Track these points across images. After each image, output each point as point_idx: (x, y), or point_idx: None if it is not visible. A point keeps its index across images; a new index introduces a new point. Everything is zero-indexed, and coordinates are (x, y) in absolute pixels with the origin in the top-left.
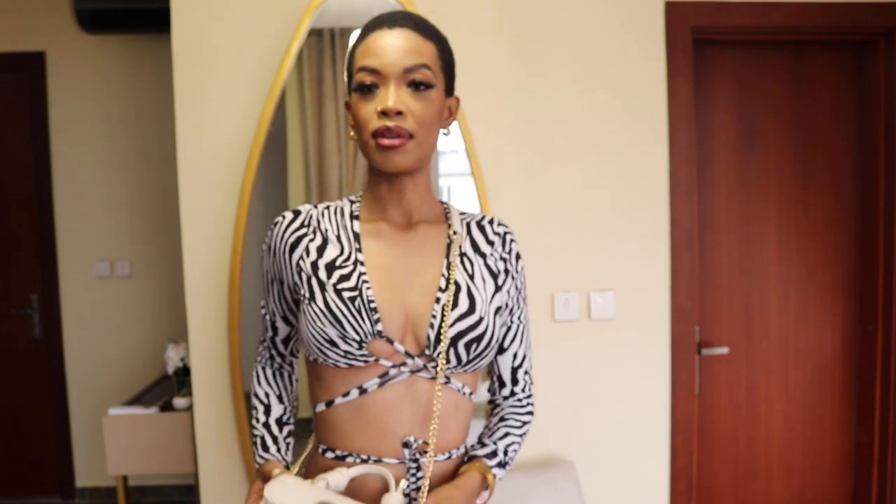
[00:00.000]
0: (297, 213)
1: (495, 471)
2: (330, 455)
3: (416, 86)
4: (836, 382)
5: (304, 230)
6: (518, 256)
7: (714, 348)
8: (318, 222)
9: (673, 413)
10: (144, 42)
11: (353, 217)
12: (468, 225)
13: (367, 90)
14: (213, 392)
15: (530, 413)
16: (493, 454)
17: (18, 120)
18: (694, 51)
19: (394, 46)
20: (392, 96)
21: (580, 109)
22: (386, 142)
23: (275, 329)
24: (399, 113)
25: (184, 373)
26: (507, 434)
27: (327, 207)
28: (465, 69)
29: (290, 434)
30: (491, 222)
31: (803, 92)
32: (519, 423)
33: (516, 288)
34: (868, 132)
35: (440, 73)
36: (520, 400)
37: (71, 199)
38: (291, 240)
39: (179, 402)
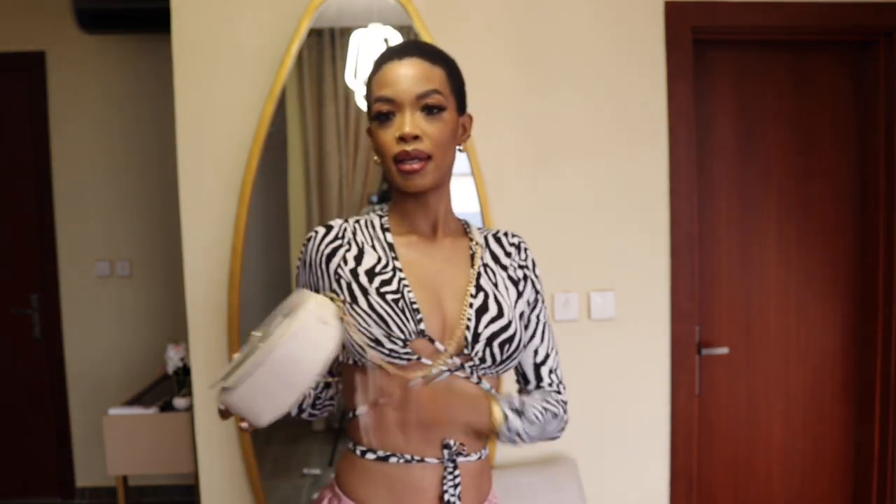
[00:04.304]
0: (329, 228)
1: (507, 410)
2: (371, 456)
3: (430, 110)
4: (836, 382)
5: (338, 242)
6: (534, 262)
7: (714, 348)
8: (353, 234)
9: (673, 413)
10: (144, 42)
11: (384, 229)
12: (486, 238)
13: (384, 118)
14: (213, 392)
15: (558, 406)
16: (507, 397)
17: (18, 120)
18: (694, 51)
19: (405, 75)
20: (408, 122)
21: (580, 109)
22: (406, 167)
23: None
24: (416, 137)
25: (184, 373)
26: (524, 402)
27: (357, 221)
28: (466, 70)
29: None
30: (505, 234)
31: (803, 92)
32: (540, 408)
33: (535, 290)
34: (868, 132)
35: (451, 94)
36: (548, 392)
37: (71, 199)
38: (327, 251)
39: (179, 402)
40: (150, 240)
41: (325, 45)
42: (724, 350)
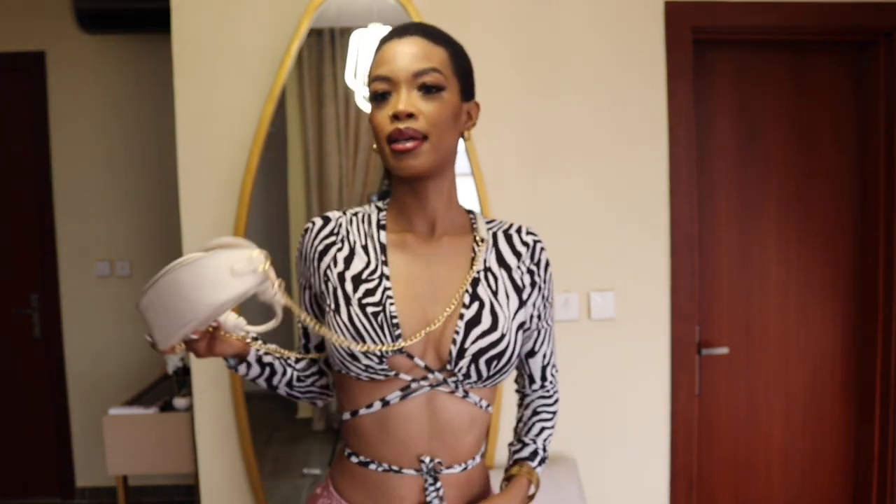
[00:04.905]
0: (326, 220)
1: (538, 469)
2: (354, 459)
3: (427, 89)
4: (836, 382)
5: (332, 238)
6: (547, 265)
7: (714, 348)
8: (347, 231)
9: (673, 413)
10: (144, 42)
11: (379, 226)
12: (494, 235)
13: (380, 98)
14: (213, 392)
15: (557, 401)
16: (535, 453)
17: (18, 120)
18: (694, 51)
19: (403, 53)
20: (402, 99)
21: (580, 109)
22: (399, 146)
23: (307, 336)
24: (410, 115)
25: (184, 373)
26: (542, 429)
27: (355, 214)
28: None
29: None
30: (519, 231)
31: (803, 92)
32: (549, 415)
33: (543, 297)
34: (868, 132)
35: (453, 76)
36: (547, 391)
37: (71, 199)
38: (321, 247)
39: (179, 402)
40: (150, 240)
41: (325, 45)
42: (724, 350)
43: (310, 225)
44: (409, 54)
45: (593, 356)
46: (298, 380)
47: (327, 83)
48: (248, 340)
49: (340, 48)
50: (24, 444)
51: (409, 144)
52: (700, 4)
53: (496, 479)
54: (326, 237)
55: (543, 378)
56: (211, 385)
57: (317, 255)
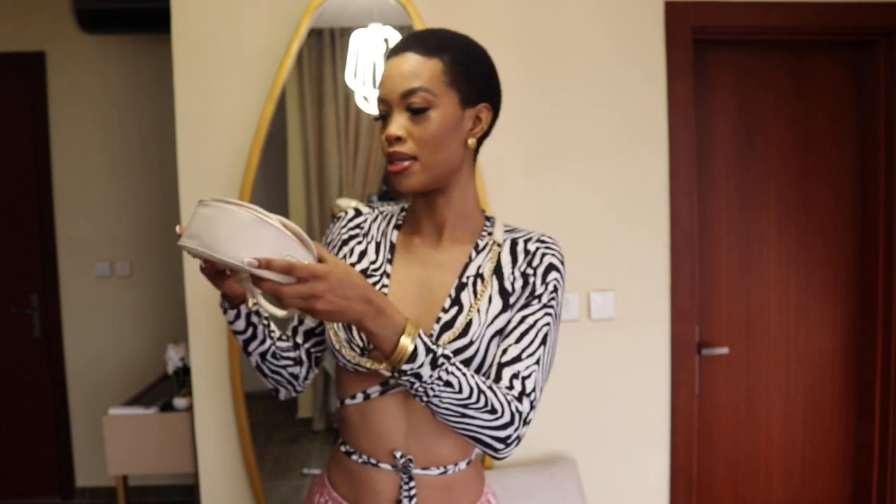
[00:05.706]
0: (358, 213)
1: (421, 351)
2: (342, 448)
3: (415, 110)
4: (836, 382)
5: (357, 231)
6: (550, 268)
7: (714, 348)
8: (370, 228)
9: (673, 413)
10: (144, 42)
11: (395, 226)
12: (502, 243)
13: (382, 118)
14: (213, 392)
15: (505, 405)
16: (438, 358)
17: (18, 120)
18: (694, 51)
19: (394, 73)
20: (392, 124)
21: (580, 109)
22: (391, 168)
23: (300, 319)
24: (399, 139)
25: (184, 373)
26: (455, 361)
27: (381, 213)
28: None
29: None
30: (529, 240)
31: (803, 92)
32: (475, 384)
33: (533, 293)
34: (868, 132)
35: (448, 87)
36: (501, 388)
37: (71, 199)
38: (345, 236)
39: (179, 402)
40: (150, 240)
41: (325, 45)
42: (724, 350)
43: (342, 214)
44: (399, 75)
45: (593, 356)
46: (274, 356)
47: (327, 83)
48: (250, 305)
49: (340, 48)
50: (24, 444)
51: (402, 165)
52: (700, 4)
53: (496, 480)
54: (353, 229)
55: (498, 379)
56: (211, 385)
57: (340, 243)
